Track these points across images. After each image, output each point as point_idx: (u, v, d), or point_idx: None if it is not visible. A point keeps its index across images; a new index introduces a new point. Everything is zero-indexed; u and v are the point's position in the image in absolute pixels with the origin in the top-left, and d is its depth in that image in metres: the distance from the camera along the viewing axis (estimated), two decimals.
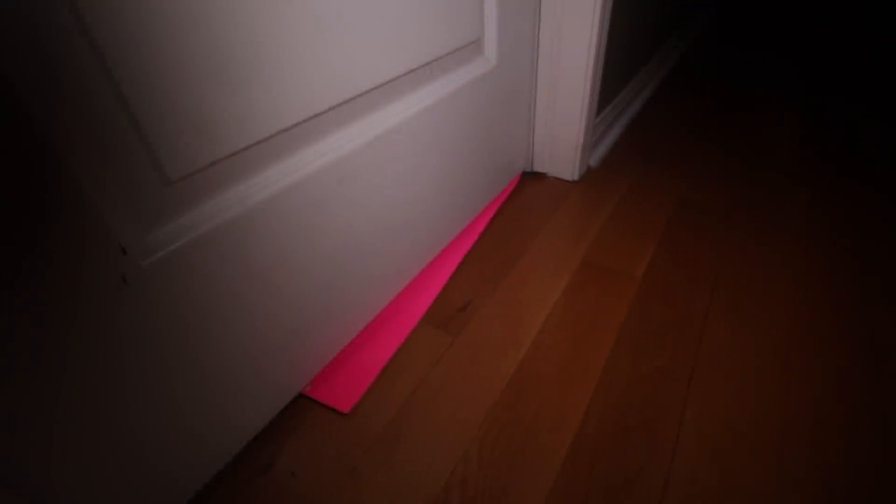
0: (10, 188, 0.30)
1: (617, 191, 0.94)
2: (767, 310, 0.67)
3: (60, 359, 0.35)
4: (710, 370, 0.59)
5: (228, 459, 0.51)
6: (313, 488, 0.49)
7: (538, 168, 1.00)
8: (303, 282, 0.52)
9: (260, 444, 0.53)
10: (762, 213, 0.86)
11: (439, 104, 0.65)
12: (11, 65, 0.28)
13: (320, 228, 0.52)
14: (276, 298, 0.50)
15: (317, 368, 0.59)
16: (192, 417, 0.45)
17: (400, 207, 0.65)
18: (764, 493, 0.47)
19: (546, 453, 0.51)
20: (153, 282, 0.38)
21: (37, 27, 0.29)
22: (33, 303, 0.32)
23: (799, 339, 0.63)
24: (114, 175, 0.35)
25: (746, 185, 0.95)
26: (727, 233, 0.82)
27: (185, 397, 0.44)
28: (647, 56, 1.34)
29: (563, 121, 0.91)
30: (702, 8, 2.01)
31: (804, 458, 0.50)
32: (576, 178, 0.97)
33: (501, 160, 0.89)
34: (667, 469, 0.49)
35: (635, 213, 0.87)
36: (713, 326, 0.65)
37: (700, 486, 0.48)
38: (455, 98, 0.68)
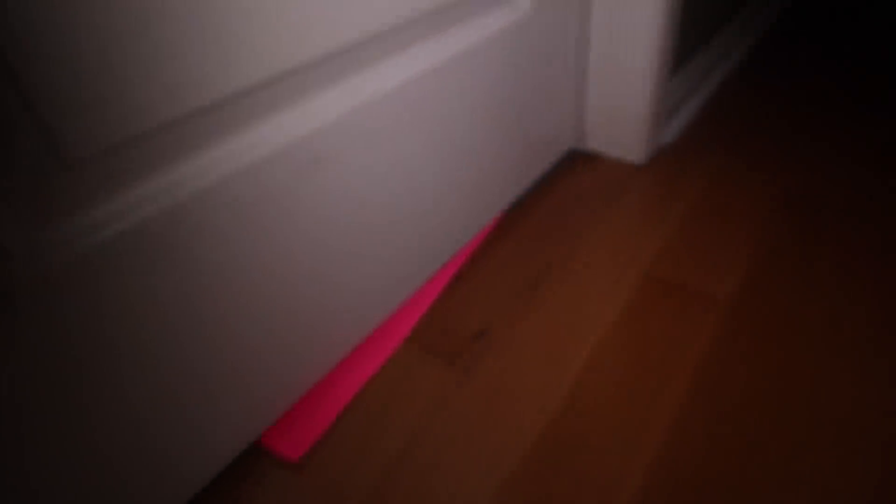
0: None
1: (697, 179, 0.82)
2: None
3: None
4: (829, 447, 0.46)
5: None
6: None
7: (591, 146, 0.89)
8: (258, 300, 0.44)
9: None
10: None
11: (451, 63, 0.55)
12: None
13: (286, 227, 0.44)
14: (219, 321, 0.42)
15: (275, 413, 0.50)
16: (92, 475, 0.38)
17: (397, 199, 0.56)
18: None
19: None
20: (49, 295, 0.32)
21: None
22: None
23: None
24: None
25: (880, 181, 0.79)
26: (856, 243, 0.67)
27: (85, 453, 0.36)
28: (736, 6, 1.18)
29: (624, 84, 0.79)
30: None
31: None
32: (643, 159, 0.86)
33: (540, 136, 0.78)
34: None
35: (722, 211, 0.75)
36: (837, 383, 0.51)
37: None
38: (473, 55, 0.58)
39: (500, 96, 0.65)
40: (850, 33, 1.29)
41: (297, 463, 0.47)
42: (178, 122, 0.36)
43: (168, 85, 0.34)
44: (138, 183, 0.35)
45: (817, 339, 0.55)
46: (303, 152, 0.43)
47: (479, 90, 0.61)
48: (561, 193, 0.80)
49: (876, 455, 0.45)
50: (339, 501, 0.44)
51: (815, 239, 0.68)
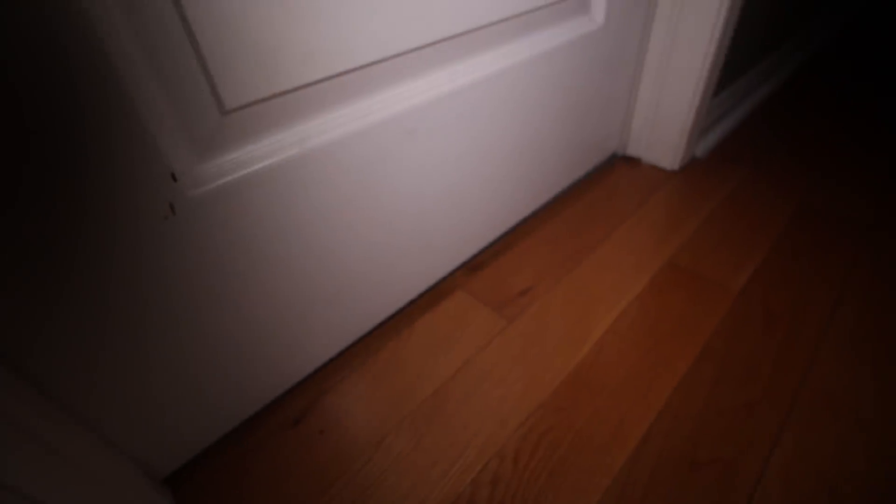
0: (59, 96, 0.30)
1: (723, 187, 0.85)
2: None
3: (96, 277, 0.35)
4: (812, 414, 0.51)
5: (259, 408, 0.52)
6: (339, 451, 0.49)
7: (633, 151, 0.93)
8: (357, 238, 0.51)
9: (294, 396, 0.53)
10: None
11: (530, 63, 0.60)
12: None
13: (380, 184, 0.50)
14: (326, 247, 0.49)
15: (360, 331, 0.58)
16: (219, 365, 0.46)
17: (469, 172, 0.61)
18: None
19: (592, 472, 0.47)
20: (201, 214, 0.38)
21: None
22: (71, 216, 0.33)
23: None
24: (169, 96, 0.34)
25: (893, 197, 0.81)
26: (859, 253, 0.70)
27: (216, 340, 0.44)
28: (781, 37, 1.19)
29: (672, 98, 0.83)
30: None
31: None
32: (676, 167, 0.89)
33: (593, 137, 0.82)
34: None
35: (743, 216, 0.78)
36: (824, 363, 0.56)
37: None
38: (549, 58, 0.63)
39: (566, 97, 0.69)
40: (891, 63, 1.26)
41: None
42: (308, 87, 0.41)
43: (303, 58, 0.39)
44: (276, 131, 0.41)
45: (812, 328, 0.59)
46: (402, 122, 0.49)
47: (550, 89, 0.65)
48: (604, 188, 0.84)
49: (850, 409, 0.48)
50: (408, 398, 0.52)
51: (821, 247, 0.70)
